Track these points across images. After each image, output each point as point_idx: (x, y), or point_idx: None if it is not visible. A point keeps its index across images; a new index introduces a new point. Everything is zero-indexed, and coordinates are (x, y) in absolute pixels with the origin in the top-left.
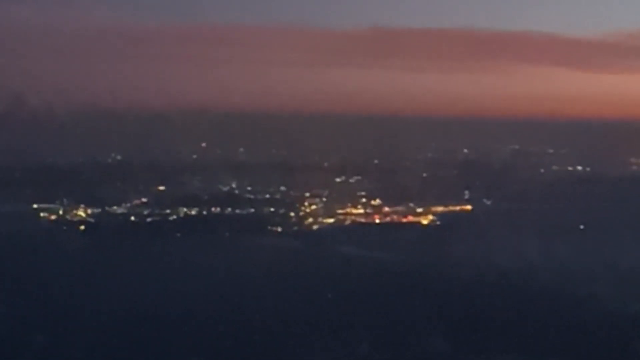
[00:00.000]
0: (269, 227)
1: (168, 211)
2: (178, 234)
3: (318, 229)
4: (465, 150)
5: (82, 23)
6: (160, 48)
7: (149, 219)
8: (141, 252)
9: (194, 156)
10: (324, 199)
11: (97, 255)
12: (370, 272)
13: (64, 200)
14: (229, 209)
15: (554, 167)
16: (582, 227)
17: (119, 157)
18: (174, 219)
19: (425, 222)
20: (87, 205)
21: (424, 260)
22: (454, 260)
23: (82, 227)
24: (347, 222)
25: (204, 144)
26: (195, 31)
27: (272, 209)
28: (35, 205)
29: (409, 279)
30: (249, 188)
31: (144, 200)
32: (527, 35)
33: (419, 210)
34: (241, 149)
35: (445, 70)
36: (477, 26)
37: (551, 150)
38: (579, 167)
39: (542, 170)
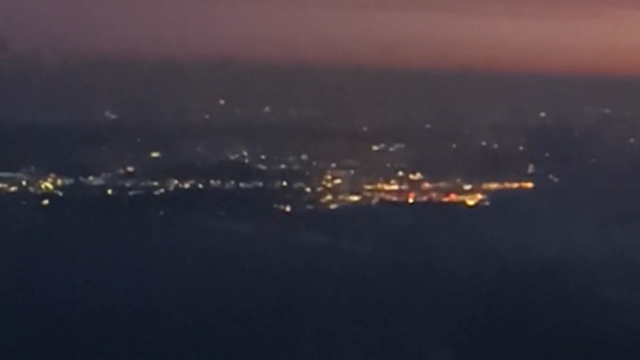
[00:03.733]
0: (276, 206)
1: (156, 183)
2: (161, 212)
3: (336, 209)
4: (542, 114)
5: None
6: None
7: (130, 193)
8: (102, 236)
9: (206, 116)
10: (352, 172)
11: (49, 238)
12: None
13: (32, 168)
14: (232, 182)
15: None
16: None
17: (113, 117)
18: (161, 194)
19: (470, 202)
20: (59, 174)
21: (442, 256)
22: (481, 255)
23: (45, 202)
24: (375, 200)
25: (222, 102)
26: None
27: (284, 183)
28: None
29: (408, 287)
30: (262, 156)
31: (130, 169)
32: None
33: (467, 187)
34: (267, 109)
35: (524, 15)
36: None
37: None
38: None
39: (631, 141)
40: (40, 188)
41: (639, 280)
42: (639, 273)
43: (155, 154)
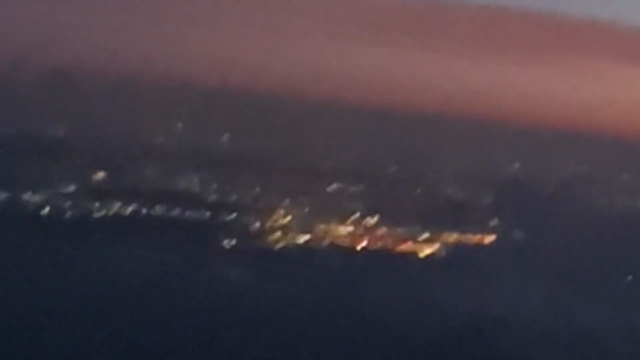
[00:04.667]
0: (219, 240)
1: (97, 205)
2: (97, 237)
3: (282, 248)
4: (517, 166)
5: None
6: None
7: (67, 214)
8: (24, 257)
9: (161, 139)
10: (306, 210)
11: None
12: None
13: None
14: (177, 210)
15: (621, 199)
16: (629, 278)
17: (60, 133)
18: (101, 217)
19: (426, 252)
20: None
21: (368, 309)
22: (410, 313)
23: None
24: (325, 242)
25: (180, 125)
26: None
27: (233, 216)
28: None
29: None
30: (214, 186)
31: (71, 188)
32: (617, 28)
33: (424, 236)
34: (226, 136)
35: (508, 61)
36: (556, 9)
37: (627, 177)
38: None
39: (604, 202)
40: None
41: (576, 348)
42: (578, 342)
43: (100, 174)
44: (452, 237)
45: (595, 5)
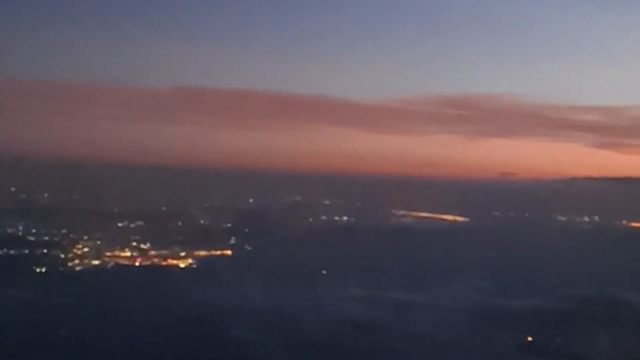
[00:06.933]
0: (34, 268)
1: None
2: None
3: (79, 271)
4: (251, 200)
5: None
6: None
7: None
8: None
9: None
10: (98, 242)
11: None
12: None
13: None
14: (4, 250)
15: (323, 217)
16: (324, 272)
17: None
18: None
19: (182, 265)
20: None
21: (137, 302)
22: (169, 304)
23: None
24: (111, 264)
25: (13, 189)
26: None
27: (45, 251)
28: None
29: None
30: (33, 230)
31: None
32: (325, 99)
33: (182, 254)
34: (45, 194)
35: (248, 127)
36: (282, 89)
37: (328, 202)
38: (345, 218)
39: (310, 220)
40: None
41: (281, 324)
42: (283, 320)
43: None
44: (202, 253)
45: (311, 83)
